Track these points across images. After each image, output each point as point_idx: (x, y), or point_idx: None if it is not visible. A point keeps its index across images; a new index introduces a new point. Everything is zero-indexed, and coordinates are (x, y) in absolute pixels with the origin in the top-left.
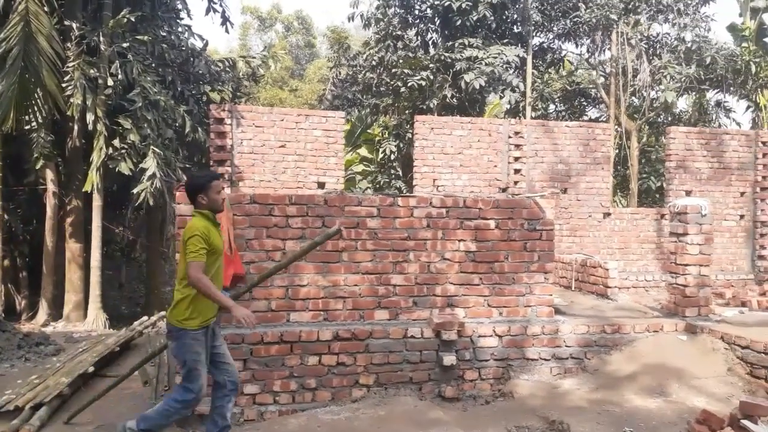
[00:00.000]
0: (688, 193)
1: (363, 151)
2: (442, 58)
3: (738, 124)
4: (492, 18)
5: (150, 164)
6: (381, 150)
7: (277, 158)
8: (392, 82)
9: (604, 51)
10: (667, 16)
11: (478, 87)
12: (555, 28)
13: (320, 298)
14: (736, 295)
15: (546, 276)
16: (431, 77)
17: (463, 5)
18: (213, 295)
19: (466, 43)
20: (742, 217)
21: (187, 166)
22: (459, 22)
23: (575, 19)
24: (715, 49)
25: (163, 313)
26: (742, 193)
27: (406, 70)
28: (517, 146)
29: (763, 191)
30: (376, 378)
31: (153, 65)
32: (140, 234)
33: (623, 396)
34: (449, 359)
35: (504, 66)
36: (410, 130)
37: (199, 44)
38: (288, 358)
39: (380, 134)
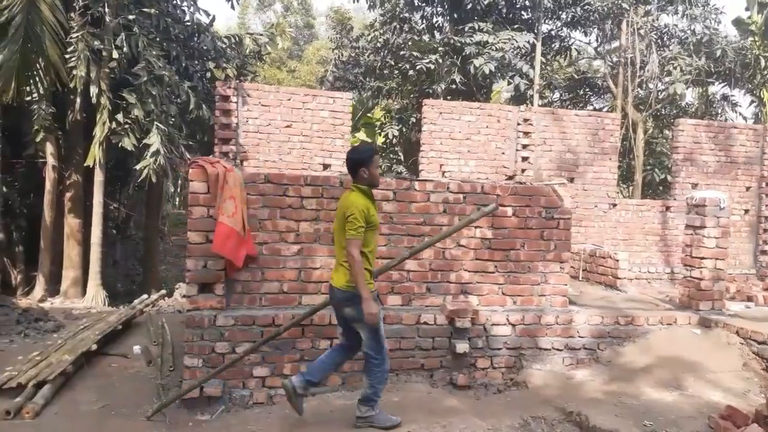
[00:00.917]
0: (695, 186)
1: (362, 135)
2: (452, 41)
3: (744, 118)
4: (503, 2)
5: (154, 140)
6: (383, 134)
7: (283, 138)
8: (399, 65)
9: (612, 41)
10: (677, 7)
11: (487, 72)
12: (564, 16)
13: None
14: (740, 290)
15: (561, 265)
16: (440, 61)
17: None
18: (360, 278)
19: (476, 27)
20: (746, 211)
21: (190, 143)
22: (470, 6)
23: (586, 7)
24: (725, 41)
25: (163, 291)
26: (748, 188)
27: (414, 53)
28: (526, 134)
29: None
30: None
31: (157, 39)
32: (135, 211)
33: (639, 388)
34: (462, 347)
35: (514, 52)
36: (414, 115)
37: (204, 20)
38: (299, 341)
39: (382, 118)
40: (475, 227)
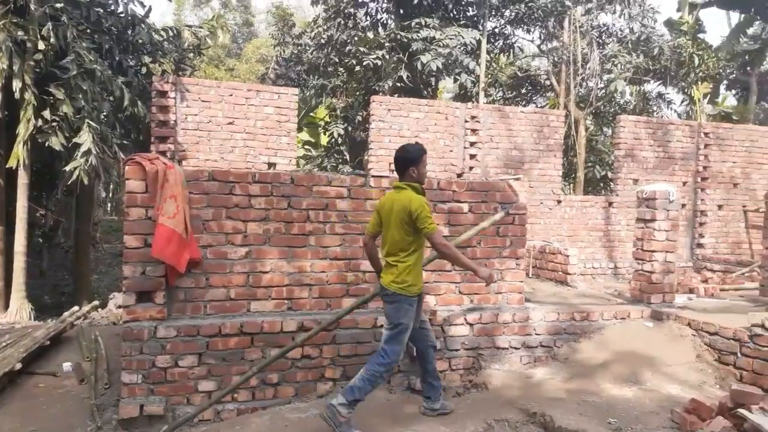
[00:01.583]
0: (636, 181)
1: (304, 135)
2: (398, 37)
3: (679, 115)
4: None
5: (85, 139)
6: (328, 133)
7: (225, 136)
8: (346, 61)
9: (554, 39)
10: (614, 7)
11: (435, 69)
12: (507, 13)
13: (284, 286)
14: (681, 282)
15: (517, 262)
16: (386, 57)
17: None
18: (460, 259)
19: (423, 23)
20: (683, 206)
21: (125, 142)
22: (416, 1)
23: (530, 4)
24: (662, 40)
25: (96, 302)
26: (684, 183)
27: (361, 48)
28: (473, 131)
29: (703, 181)
30: (342, 371)
31: (88, 31)
32: (64, 217)
33: (599, 385)
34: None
35: (461, 48)
36: (360, 113)
37: (140, 11)
38: (248, 351)
39: (327, 117)
40: None
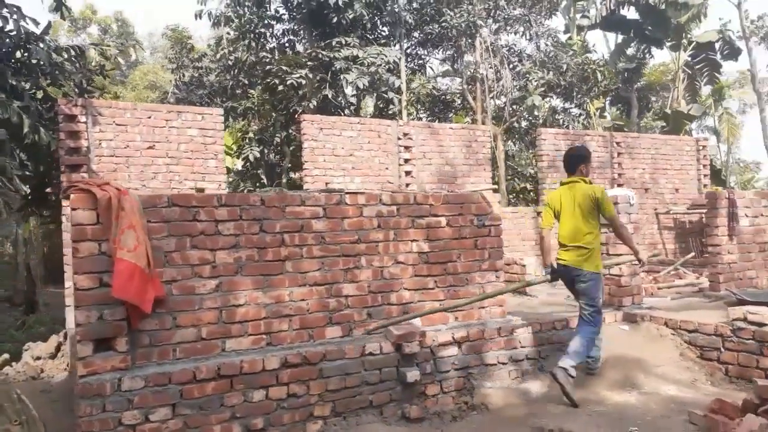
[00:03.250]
0: None
1: None
2: (320, 56)
3: (586, 128)
4: (366, 18)
5: None
6: (243, 156)
7: (145, 161)
8: (268, 80)
9: (461, 59)
10: (516, 29)
11: (362, 87)
12: (419, 35)
13: (262, 319)
14: None
15: (497, 274)
16: (309, 75)
17: (340, 2)
18: (632, 240)
19: (344, 42)
20: None
21: (27, 174)
22: (334, 21)
23: (443, 24)
24: (569, 57)
25: (6, 356)
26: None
27: (283, 67)
28: (407, 148)
29: (619, 188)
30: (332, 407)
31: None
32: None
33: (598, 393)
34: (413, 375)
35: (385, 67)
36: (279, 134)
37: (34, 29)
38: (228, 395)
39: (240, 140)
40: (412, 241)
